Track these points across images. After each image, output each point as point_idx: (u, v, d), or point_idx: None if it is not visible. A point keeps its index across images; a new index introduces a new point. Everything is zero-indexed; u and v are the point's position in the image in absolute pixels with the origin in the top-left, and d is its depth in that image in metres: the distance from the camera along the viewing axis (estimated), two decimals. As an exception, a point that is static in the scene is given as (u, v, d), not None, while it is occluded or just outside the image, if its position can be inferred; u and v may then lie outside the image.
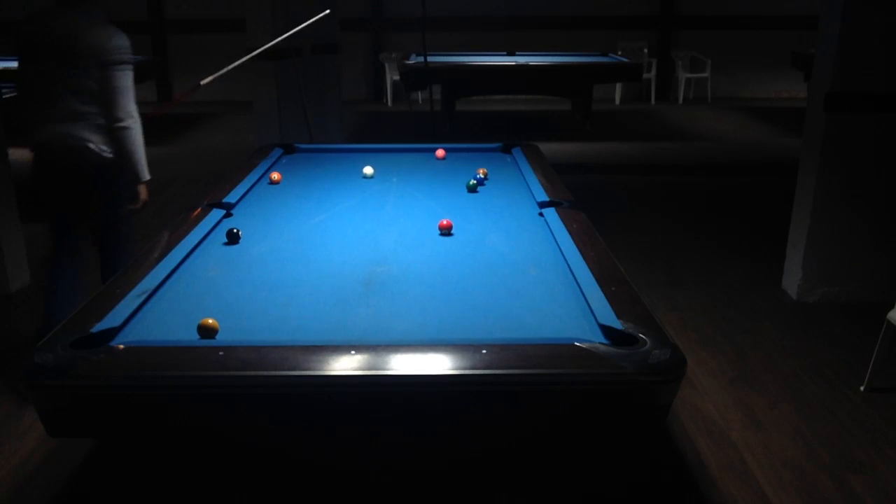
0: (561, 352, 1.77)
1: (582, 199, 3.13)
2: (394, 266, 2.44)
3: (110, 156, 3.16)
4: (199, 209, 2.95)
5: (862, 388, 3.20)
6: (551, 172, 3.56)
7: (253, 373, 1.70)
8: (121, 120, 3.11)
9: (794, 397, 3.16)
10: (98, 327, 1.90)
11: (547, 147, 4.42)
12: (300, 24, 5.28)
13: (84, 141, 3.11)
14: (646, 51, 10.56)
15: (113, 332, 1.90)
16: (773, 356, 3.51)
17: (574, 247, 2.49)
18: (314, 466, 2.33)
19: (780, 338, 3.69)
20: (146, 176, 3.27)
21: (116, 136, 3.13)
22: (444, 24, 9.98)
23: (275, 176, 3.50)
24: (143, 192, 3.30)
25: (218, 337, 1.90)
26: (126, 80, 3.11)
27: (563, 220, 2.78)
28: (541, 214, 2.94)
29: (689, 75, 10.50)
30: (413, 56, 8.41)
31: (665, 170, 7.03)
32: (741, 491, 2.57)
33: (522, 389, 1.72)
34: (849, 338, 3.68)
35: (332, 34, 7.50)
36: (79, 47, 3.04)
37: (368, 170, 3.60)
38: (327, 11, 5.13)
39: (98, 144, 3.13)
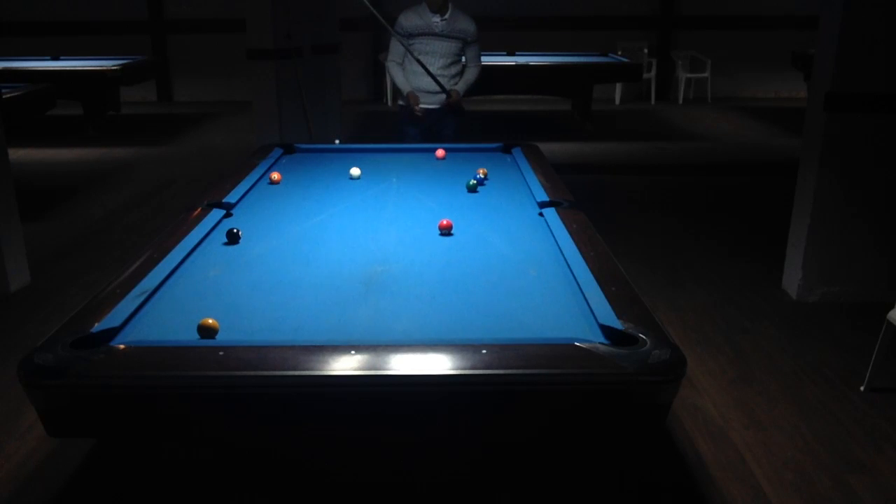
0: (561, 352, 1.76)
1: (582, 199, 3.12)
2: (394, 266, 2.44)
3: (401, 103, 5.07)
4: (199, 209, 2.94)
5: (862, 388, 3.20)
6: (551, 172, 3.56)
7: (253, 373, 1.70)
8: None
9: (794, 397, 3.15)
10: (98, 327, 1.90)
11: (547, 147, 4.42)
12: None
13: None
14: (646, 51, 10.56)
15: (113, 332, 1.90)
16: (773, 356, 3.50)
17: (574, 247, 2.49)
18: (314, 466, 2.34)
19: (780, 338, 3.69)
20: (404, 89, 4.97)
21: None
22: (444, 24, 9.96)
23: (275, 176, 3.50)
24: (411, 99, 4.92)
25: (218, 337, 1.90)
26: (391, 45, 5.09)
27: (563, 220, 2.78)
28: (541, 214, 2.94)
29: (689, 75, 10.50)
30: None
31: (665, 170, 7.03)
32: (741, 491, 2.57)
33: (522, 389, 1.72)
34: (849, 338, 3.68)
35: (333, 34, 7.50)
36: None
37: (355, 171, 3.59)
38: None
39: None
